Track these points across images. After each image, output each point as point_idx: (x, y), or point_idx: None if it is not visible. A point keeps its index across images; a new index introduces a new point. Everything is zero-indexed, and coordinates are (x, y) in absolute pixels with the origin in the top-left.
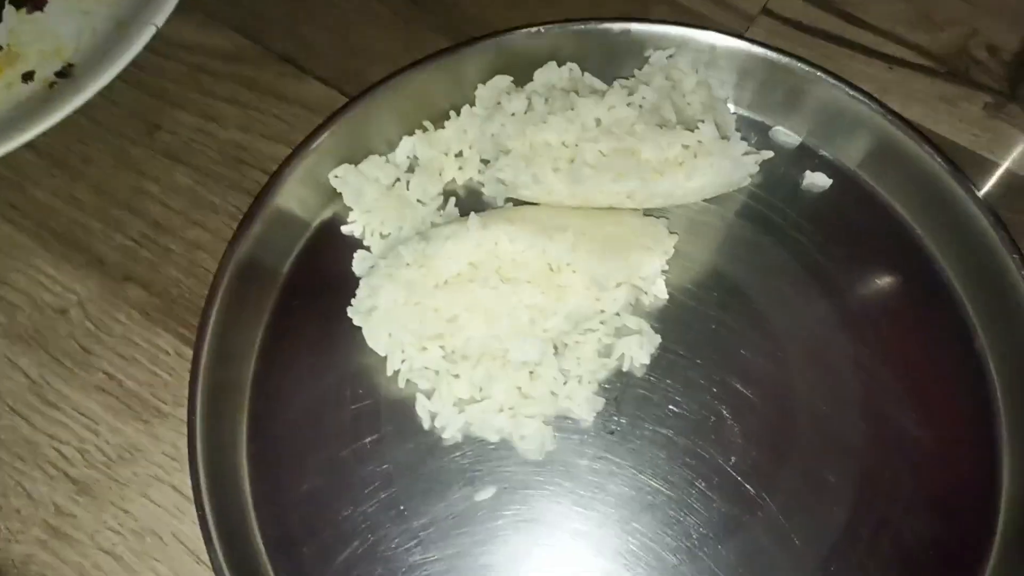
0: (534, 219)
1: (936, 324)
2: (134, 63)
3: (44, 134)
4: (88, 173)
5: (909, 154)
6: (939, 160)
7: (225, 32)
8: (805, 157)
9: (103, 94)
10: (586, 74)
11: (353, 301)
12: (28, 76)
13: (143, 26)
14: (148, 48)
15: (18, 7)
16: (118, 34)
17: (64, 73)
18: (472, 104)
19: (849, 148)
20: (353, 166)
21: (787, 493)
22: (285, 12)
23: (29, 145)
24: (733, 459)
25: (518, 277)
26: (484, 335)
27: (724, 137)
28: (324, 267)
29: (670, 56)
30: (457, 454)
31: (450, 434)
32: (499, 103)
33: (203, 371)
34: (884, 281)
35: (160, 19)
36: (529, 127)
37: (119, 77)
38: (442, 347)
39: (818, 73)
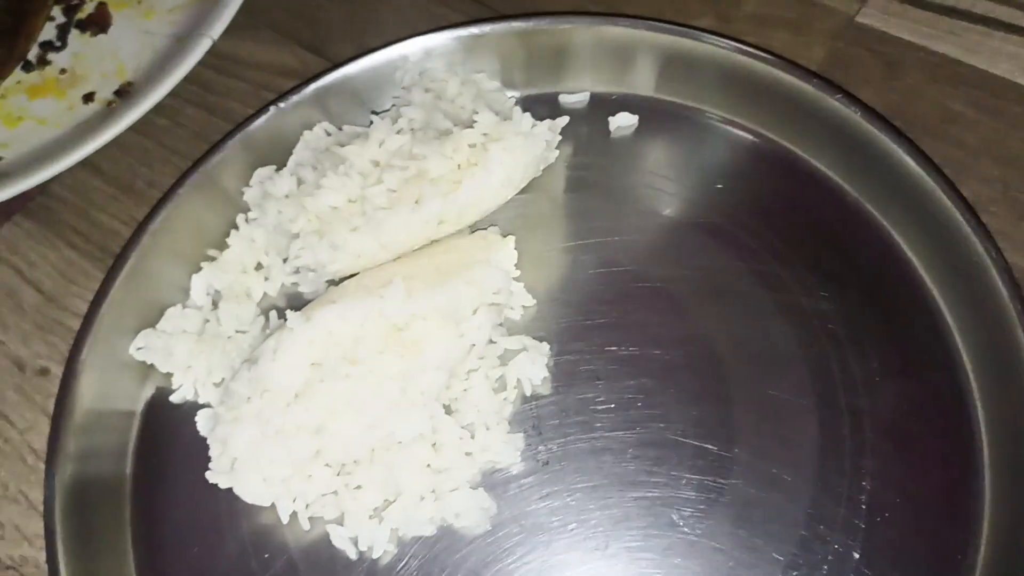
0: (356, 287)
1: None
2: (199, 83)
3: (109, 158)
4: (153, 197)
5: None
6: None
7: (291, 48)
8: (600, 107)
9: (168, 116)
10: (345, 127)
11: (210, 464)
12: (88, 97)
13: (199, 39)
14: (213, 68)
15: (83, 30)
16: (176, 50)
17: (122, 92)
18: (247, 211)
19: (636, 80)
20: (152, 329)
21: (752, 435)
22: (351, 24)
23: (94, 169)
24: (681, 427)
25: (368, 352)
26: (361, 429)
27: (506, 119)
28: (171, 449)
29: (421, 72)
30: (400, 566)
31: (381, 550)
32: (267, 193)
33: None
34: (738, 193)
35: (216, 31)
36: (306, 200)
37: (184, 98)
38: (326, 464)
39: (564, 25)
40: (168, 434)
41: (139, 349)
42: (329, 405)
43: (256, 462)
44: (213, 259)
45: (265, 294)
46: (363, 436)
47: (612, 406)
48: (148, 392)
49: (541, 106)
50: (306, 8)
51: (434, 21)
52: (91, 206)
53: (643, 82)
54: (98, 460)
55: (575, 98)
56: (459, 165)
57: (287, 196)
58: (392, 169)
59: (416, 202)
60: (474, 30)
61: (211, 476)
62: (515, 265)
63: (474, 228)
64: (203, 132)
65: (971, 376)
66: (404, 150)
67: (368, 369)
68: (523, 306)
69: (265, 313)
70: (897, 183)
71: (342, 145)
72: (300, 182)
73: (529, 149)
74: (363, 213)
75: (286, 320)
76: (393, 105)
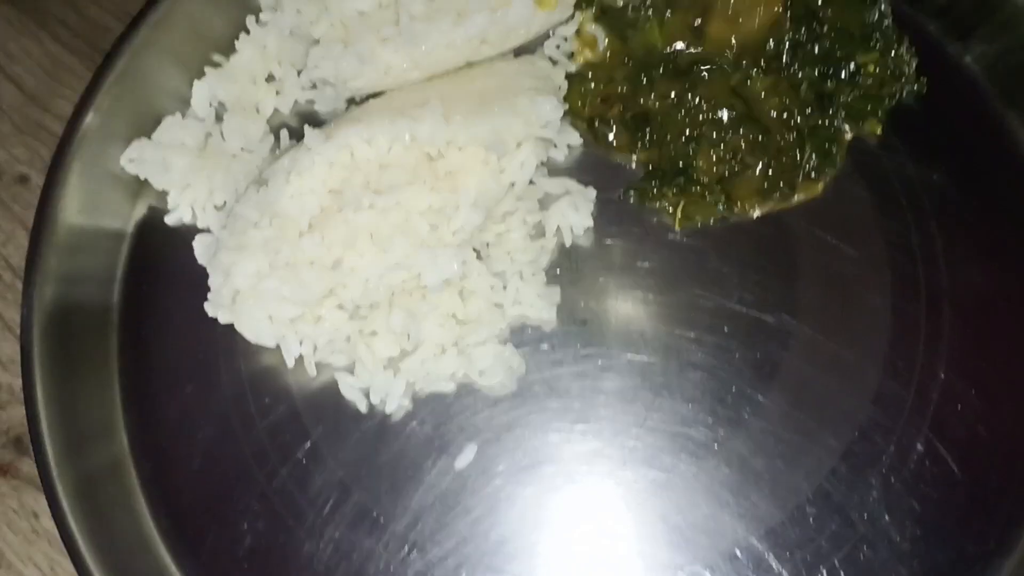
0: (386, 107)
1: None
2: None
3: None
4: None
5: None
6: None
7: None
8: None
9: None
10: None
11: (210, 296)
12: None
13: None
14: None
15: None
16: None
17: None
18: (258, 11)
19: None
20: (146, 139)
21: (816, 309)
22: None
23: None
24: (736, 294)
25: (395, 182)
26: (383, 269)
27: None
28: (164, 277)
29: None
30: (413, 424)
31: (395, 405)
32: None
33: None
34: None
35: None
36: (330, 1)
37: None
38: (339, 306)
39: None
40: (161, 259)
41: (131, 161)
42: (347, 238)
43: (261, 297)
44: (218, 66)
45: (276, 110)
46: (383, 277)
47: (662, 266)
48: (140, 211)
49: None
50: None
51: None
52: None
53: None
54: (83, 283)
55: None
56: None
57: None
58: None
59: (459, 15)
60: None
61: (210, 308)
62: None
63: (519, 52)
64: None
65: None
66: None
67: (394, 201)
68: (568, 145)
69: (275, 132)
70: (1015, 44)
71: None
72: None
73: None
74: (396, 22)
75: (302, 139)
76: None
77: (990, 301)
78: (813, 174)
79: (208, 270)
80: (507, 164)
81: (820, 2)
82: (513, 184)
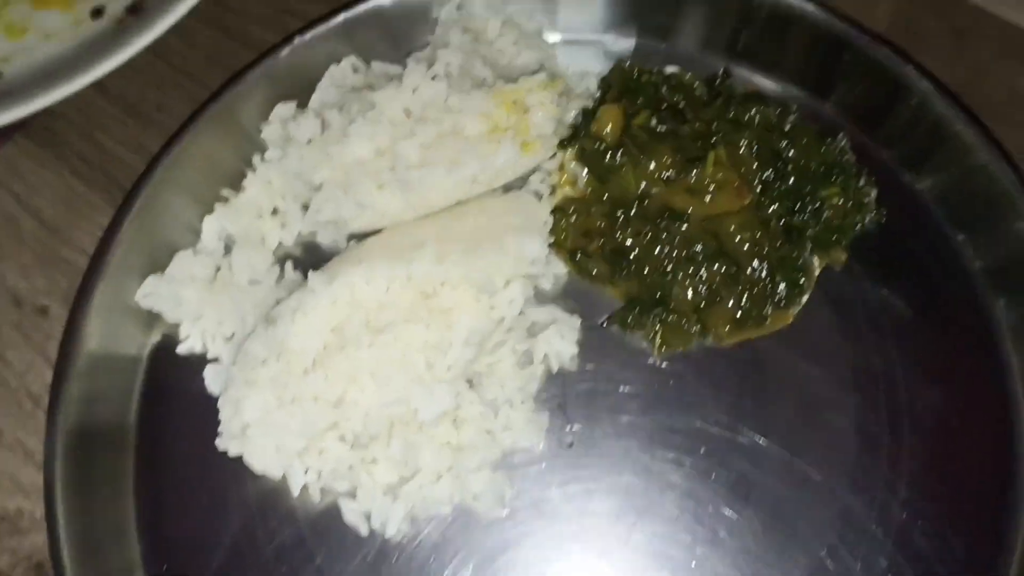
0: (384, 247)
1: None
2: (218, 2)
3: (116, 77)
4: (161, 122)
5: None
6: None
7: None
8: (645, 57)
9: (181, 35)
10: (374, 63)
11: (220, 429)
12: (98, 12)
13: None
14: None
15: None
16: None
17: (135, 8)
18: (264, 150)
19: (683, 33)
20: (160, 275)
21: (786, 430)
22: None
23: (100, 88)
24: (713, 416)
25: (393, 320)
26: (382, 404)
27: (553, 76)
28: (176, 402)
29: (459, 7)
30: (414, 546)
31: (394, 529)
32: (289, 136)
33: None
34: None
35: None
36: (331, 148)
37: (197, 17)
38: (342, 437)
39: None
40: (175, 384)
41: (146, 296)
42: (349, 375)
43: (269, 430)
44: (227, 200)
45: (280, 242)
46: (383, 410)
47: (643, 390)
48: (155, 338)
49: (584, 51)
50: None
51: None
52: (96, 128)
53: (690, 36)
54: (100, 406)
55: (623, 43)
56: (497, 124)
57: (310, 141)
58: (426, 122)
59: (451, 163)
60: None
61: (220, 443)
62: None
63: (507, 187)
64: (217, 55)
65: (1020, 386)
66: (439, 100)
67: (392, 338)
68: (555, 275)
69: (280, 263)
70: (964, 172)
71: (372, 87)
72: (325, 126)
73: (568, 107)
74: (392, 168)
75: (305, 276)
76: (428, 44)
77: (948, 420)
78: (783, 303)
79: (219, 403)
80: (497, 301)
81: (784, 143)
82: (503, 319)
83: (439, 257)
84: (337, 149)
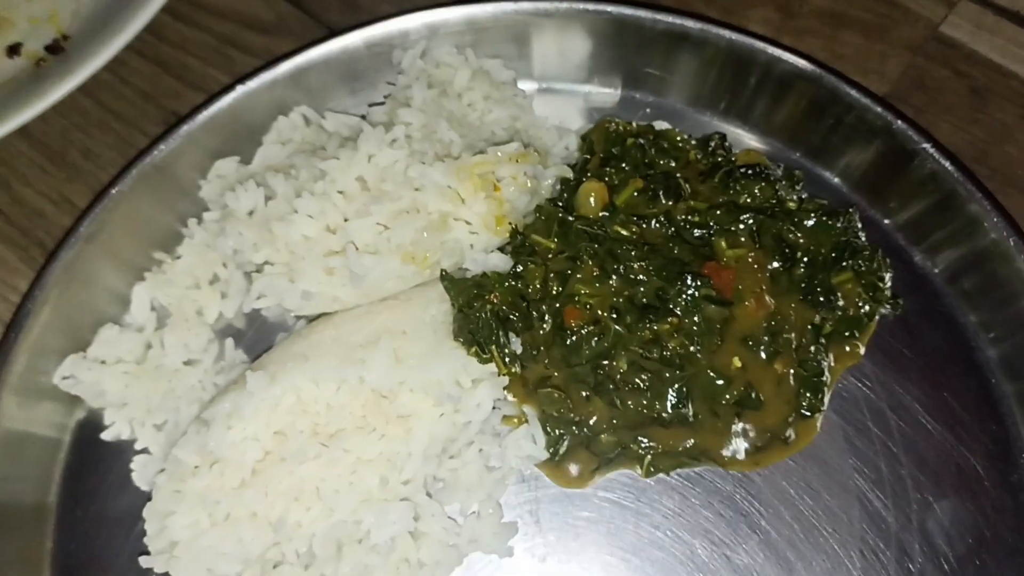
0: (335, 341)
1: None
2: (152, 30)
3: (37, 119)
4: (87, 170)
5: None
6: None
7: None
8: (630, 108)
9: (112, 69)
10: (328, 115)
11: (145, 540)
12: (14, 49)
13: None
14: (170, 12)
15: None
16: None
17: (55, 48)
18: (203, 210)
19: (672, 84)
20: (81, 355)
21: (784, 544)
22: None
23: (20, 131)
24: (703, 528)
25: (343, 429)
26: (329, 526)
27: (527, 147)
28: (101, 483)
29: (424, 53)
30: None
31: None
32: (227, 207)
33: None
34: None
35: None
36: (275, 225)
37: (131, 47)
38: (283, 553)
39: (597, 7)
40: (100, 464)
41: (64, 379)
42: (291, 492)
43: (200, 551)
44: (160, 265)
45: (220, 314)
46: (330, 532)
47: (623, 493)
48: (79, 415)
49: (563, 102)
50: None
51: None
52: (13, 177)
53: (681, 89)
54: (18, 485)
55: (607, 95)
56: (464, 199)
57: (251, 213)
58: (382, 200)
59: (408, 250)
60: (489, 8)
61: (145, 560)
62: None
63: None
64: (153, 93)
65: None
66: (398, 169)
67: (342, 451)
68: None
69: (220, 339)
70: (974, 250)
71: (324, 147)
72: (268, 196)
73: (545, 175)
74: (343, 249)
75: (248, 356)
76: (388, 95)
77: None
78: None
79: (144, 512)
80: (463, 405)
81: (790, 225)
82: (469, 423)
83: (397, 356)
84: (282, 228)
